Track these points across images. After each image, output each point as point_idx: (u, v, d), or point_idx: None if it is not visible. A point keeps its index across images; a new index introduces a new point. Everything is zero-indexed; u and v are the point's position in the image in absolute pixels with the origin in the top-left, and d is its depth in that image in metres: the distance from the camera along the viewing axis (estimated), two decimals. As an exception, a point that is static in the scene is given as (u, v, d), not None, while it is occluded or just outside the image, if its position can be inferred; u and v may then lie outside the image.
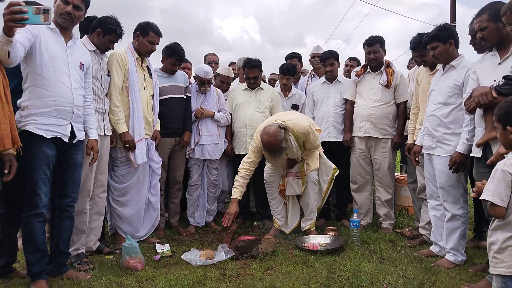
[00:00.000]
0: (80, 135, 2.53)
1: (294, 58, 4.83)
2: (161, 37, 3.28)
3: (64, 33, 2.45)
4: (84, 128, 2.58)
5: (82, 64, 2.55)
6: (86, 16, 3.13)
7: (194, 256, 2.87)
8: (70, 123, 2.42)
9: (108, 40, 2.95)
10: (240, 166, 3.45)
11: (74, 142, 2.47)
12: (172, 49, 3.58)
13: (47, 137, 2.30)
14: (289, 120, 3.30)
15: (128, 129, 3.11)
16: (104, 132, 2.95)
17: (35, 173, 2.27)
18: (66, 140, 2.39)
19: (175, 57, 3.59)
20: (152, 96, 3.35)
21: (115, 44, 3.05)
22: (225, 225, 3.30)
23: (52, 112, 2.32)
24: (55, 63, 2.34)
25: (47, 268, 2.39)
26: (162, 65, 3.74)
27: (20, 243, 2.63)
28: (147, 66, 3.36)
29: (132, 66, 3.17)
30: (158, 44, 3.31)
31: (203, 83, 3.80)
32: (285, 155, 3.32)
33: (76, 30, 2.56)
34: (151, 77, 3.37)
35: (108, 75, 3.06)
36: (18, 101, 2.30)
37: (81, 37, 3.08)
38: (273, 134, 3.12)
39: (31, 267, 2.31)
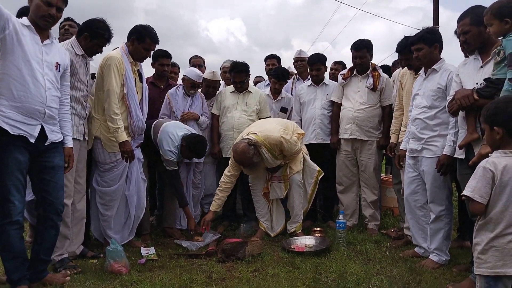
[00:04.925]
0: (54, 137, 2.39)
1: (273, 58, 4.88)
2: (158, 43, 3.16)
3: (40, 31, 2.31)
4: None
5: (59, 65, 2.40)
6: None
7: (189, 243, 3.23)
8: (41, 124, 2.29)
9: (95, 45, 2.85)
10: (221, 179, 3.49)
11: (46, 144, 2.33)
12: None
13: (12, 133, 2.15)
14: (261, 132, 3.31)
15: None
16: (84, 137, 2.90)
17: (7, 180, 2.16)
18: (32, 141, 2.24)
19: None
20: (140, 100, 3.24)
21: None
22: (202, 231, 3.43)
23: (22, 109, 2.19)
24: (28, 60, 2.21)
25: (27, 274, 2.33)
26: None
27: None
28: (138, 70, 3.23)
29: (129, 72, 3.04)
30: (154, 50, 3.22)
31: (193, 86, 3.79)
32: (263, 166, 3.36)
33: (53, 29, 2.43)
34: (141, 81, 3.26)
35: (92, 78, 2.96)
36: None
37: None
38: (241, 152, 3.18)
39: (10, 275, 2.25)
